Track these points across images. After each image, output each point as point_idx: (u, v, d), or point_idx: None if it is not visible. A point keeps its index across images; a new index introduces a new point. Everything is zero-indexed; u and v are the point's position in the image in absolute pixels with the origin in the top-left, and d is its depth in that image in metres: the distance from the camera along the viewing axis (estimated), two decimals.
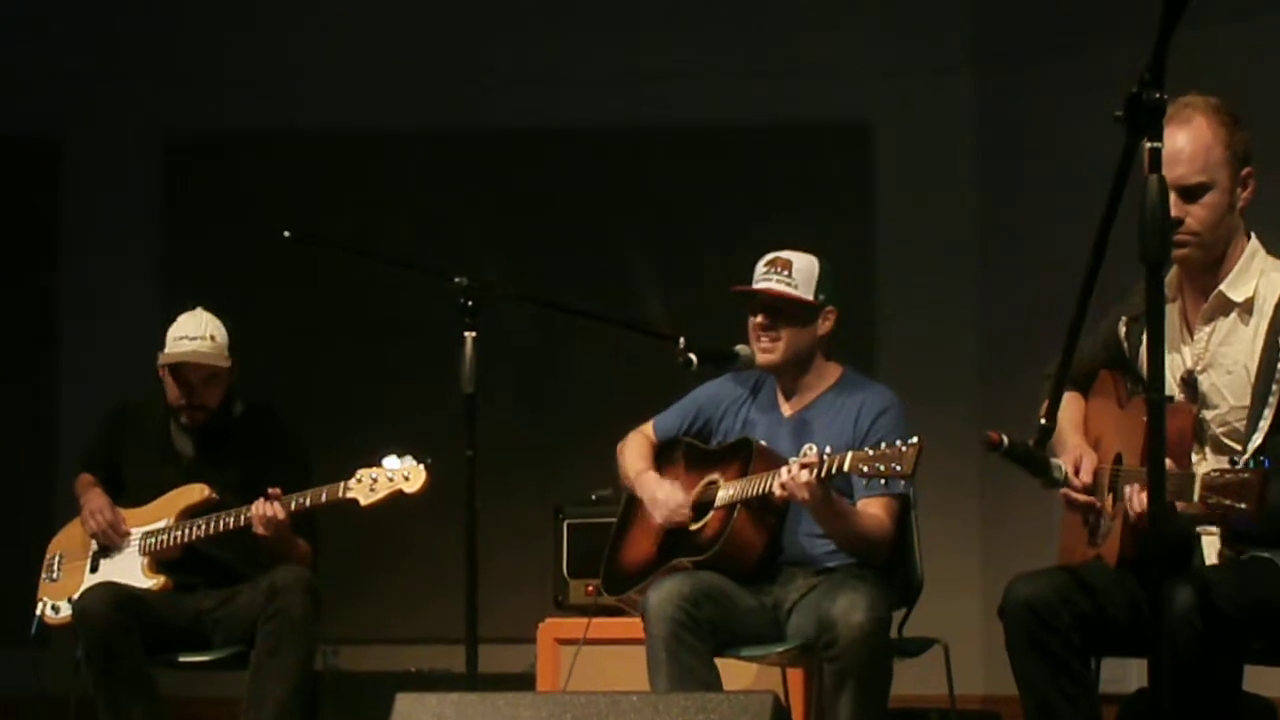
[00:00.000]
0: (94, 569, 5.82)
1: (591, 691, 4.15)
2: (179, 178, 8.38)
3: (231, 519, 5.62)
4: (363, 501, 5.46)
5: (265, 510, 5.53)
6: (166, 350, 5.78)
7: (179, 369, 5.77)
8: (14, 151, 8.34)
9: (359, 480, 5.47)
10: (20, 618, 5.94)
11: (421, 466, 5.43)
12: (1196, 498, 3.61)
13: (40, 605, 5.86)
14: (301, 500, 5.54)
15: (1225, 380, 4.05)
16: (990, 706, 6.92)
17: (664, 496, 5.14)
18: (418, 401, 7.62)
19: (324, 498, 5.53)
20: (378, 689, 5.17)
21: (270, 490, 5.55)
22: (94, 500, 5.85)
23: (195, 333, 5.77)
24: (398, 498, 5.45)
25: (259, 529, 5.55)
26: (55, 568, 5.91)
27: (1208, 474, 3.63)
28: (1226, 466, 3.68)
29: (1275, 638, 3.92)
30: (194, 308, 5.85)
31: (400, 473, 5.44)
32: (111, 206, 8.34)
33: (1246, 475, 3.57)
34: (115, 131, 8.32)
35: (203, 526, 5.67)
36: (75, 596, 5.71)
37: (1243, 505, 3.55)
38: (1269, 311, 4.02)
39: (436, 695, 4.11)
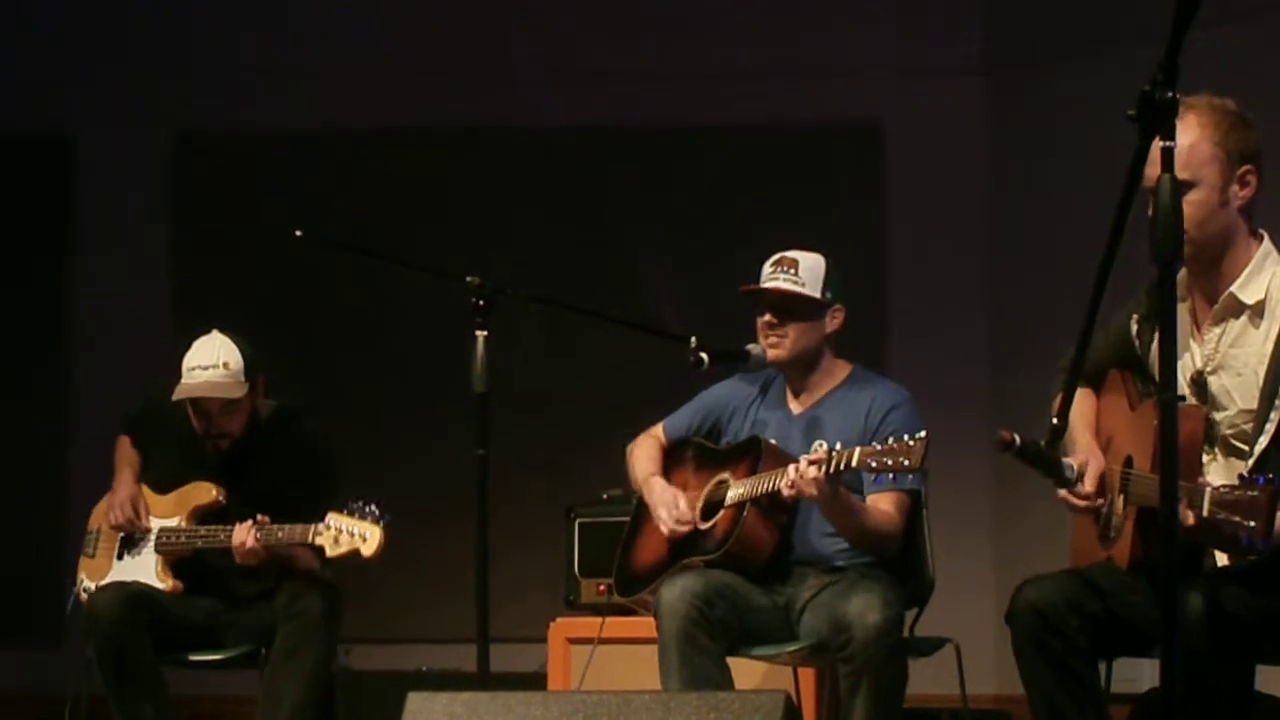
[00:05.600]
0: (120, 555, 5.81)
1: (603, 691, 4.15)
2: (191, 175, 8.38)
3: (224, 535, 5.60)
4: (328, 552, 5.48)
5: (241, 539, 5.52)
6: (182, 382, 5.69)
7: (196, 400, 5.71)
8: (27, 150, 8.35)
9: (328, 527, 5.46)
10: (33, 613, 5.95)
11: (379, 528, 5.42)
12: (1206, 512, 3.59)
13: (79, 582, 5.84)
14: (278, 534, 5.52)
15: (1235, 382, 4.03)
16: (1002, 706, 6.91)
17: (665, 514, 5.12)
18: (429, 401, 7.62)
19: (296, 536, 5.52)
20: (389, 688, 5.16)
21: (259, 516, 5.53)
22: (122, 489, 5.81)
23: (208, 361, 5.68)
24: (355, 557, 5.45)
25: (236, 556, 5.54)
26: (93, 544, 5.89)
27: (1217, 489, 3.62)
28: (1237, 483, 3.65)
29: None
30: (210, 331, 5.77)
31: (360, 533, 5.43)
32: (124, 204, 8.34)
33: (1256, 493, 3.55)
34: (128, 129, 8.32)
35: (203, 539, 5.66)
36: (97, 587, 5.71)
37: (1251, 524, 3.53)
38: None
39: (448, 695, 4.11)
